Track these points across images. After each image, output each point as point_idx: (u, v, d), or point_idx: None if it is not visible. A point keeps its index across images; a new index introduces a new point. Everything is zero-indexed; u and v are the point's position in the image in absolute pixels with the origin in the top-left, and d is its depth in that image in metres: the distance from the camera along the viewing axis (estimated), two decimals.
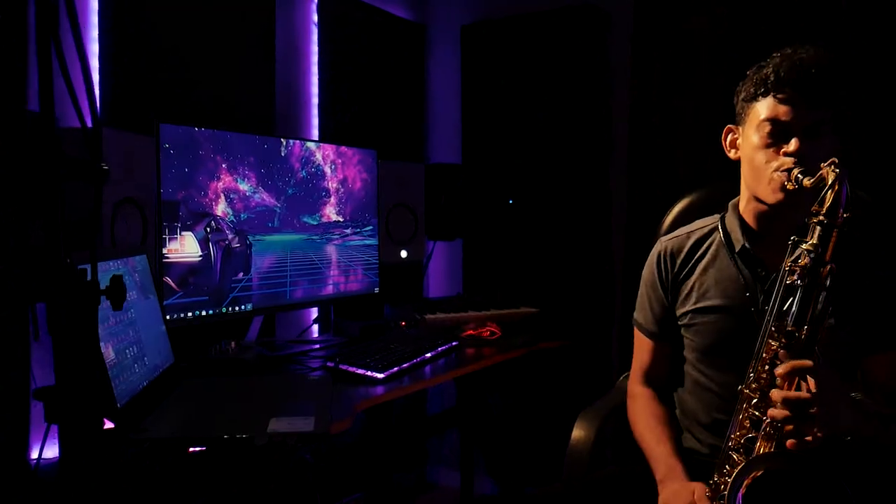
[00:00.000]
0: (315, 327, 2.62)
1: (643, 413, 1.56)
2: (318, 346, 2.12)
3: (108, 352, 1.22)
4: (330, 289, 2.23)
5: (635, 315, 1.63)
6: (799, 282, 1.21)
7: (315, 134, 2.69)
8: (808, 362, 1.16)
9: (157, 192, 1.72)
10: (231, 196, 1.91)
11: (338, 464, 2.69)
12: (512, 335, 2.25)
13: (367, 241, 2.37)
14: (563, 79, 2.76)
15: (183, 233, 1.78)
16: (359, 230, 2.34)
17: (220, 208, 1.88)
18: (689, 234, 1.56)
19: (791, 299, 1.22)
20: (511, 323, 2.37)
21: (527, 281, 2.83)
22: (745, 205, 1.46)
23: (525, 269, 2.85)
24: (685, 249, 1.54)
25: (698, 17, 2.42)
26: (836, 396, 1.18)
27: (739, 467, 1.20)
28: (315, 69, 2.70)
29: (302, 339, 2.30)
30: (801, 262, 1.21)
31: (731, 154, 1.48)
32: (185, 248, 1.79)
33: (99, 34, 1.96)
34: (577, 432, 1.73)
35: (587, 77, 2.71)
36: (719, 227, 1.50)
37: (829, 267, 1.20)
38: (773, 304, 1.27)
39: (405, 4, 3.13)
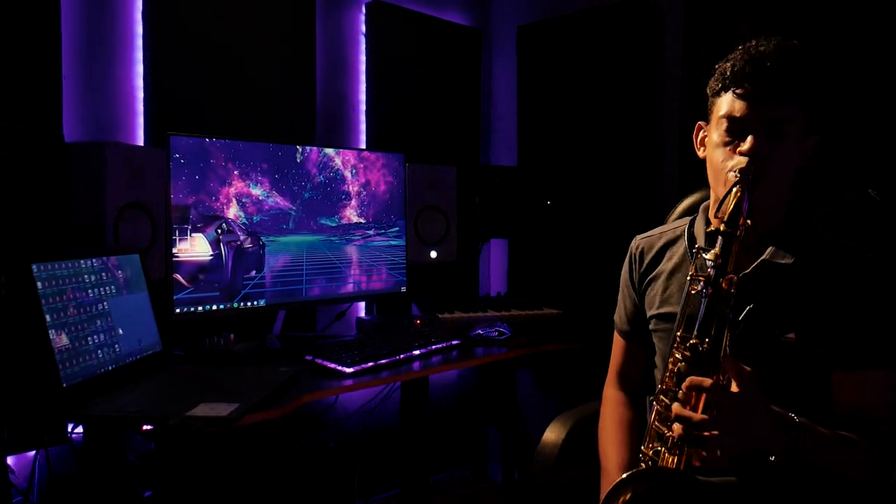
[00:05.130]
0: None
1: (610, 418, 1.54)
2: (327, 341, 2.22)
3: (61, 338, 1.40)
4: (350, 287, 2.34)
5: (614, 315, 1.61)
6: (703, 292, 1.17)
7: (363, 142, 2.82)
8: (707, 380, 1.10)
9: (166, 197, 1.92)
10: (243, 200, 2.07)
11: (380, 457, 2.79)
12: (525, 336, 2.25)
13: (393, 242, 2.46)
14: (616, 74, 2.72)
15: (193, 234, 1.97)
16: (383, 231, 2.43)
17: (232, 211, 2.05)
18: (661, 234, 1.52)
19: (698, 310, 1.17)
20: (530, 324, 2.37)
21: (565, 282, 2.80)
22: (712, 207, 1.40)
23: (565, 270, 2.82)
24: (654, 249, 1.50)
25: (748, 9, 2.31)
26: (747, 412, 1.11)
27: (613, 485, 1.16)
28: (363, 78, 2.82)
29: (321, 335, 2.43)
30: (707, 271, 1.17)
31: (700, 153, 1.41)
32: (195, 248, 1.97)
33: (143, 54, 2.20)
34: (548, 434, 1.74)
35: (639, 71, 2.65)
36: (685, 232, 1.45)
37: (729, 277, 1.15)
38: (682, 314, 1.23)
39: (461, 10, 3.18)
